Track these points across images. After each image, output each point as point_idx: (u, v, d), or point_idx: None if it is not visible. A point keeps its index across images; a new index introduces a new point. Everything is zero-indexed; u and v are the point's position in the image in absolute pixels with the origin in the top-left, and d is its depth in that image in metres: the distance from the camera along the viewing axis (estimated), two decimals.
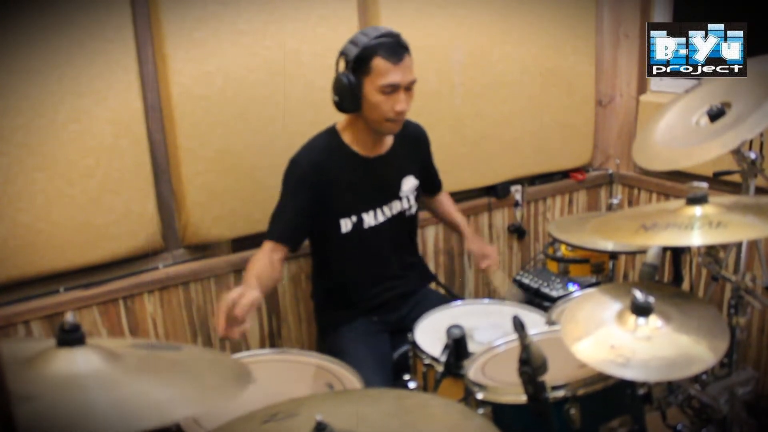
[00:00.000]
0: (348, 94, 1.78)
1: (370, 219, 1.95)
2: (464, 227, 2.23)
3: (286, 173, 1.88)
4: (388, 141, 1.98)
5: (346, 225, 1.92)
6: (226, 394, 1.01)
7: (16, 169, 1.81)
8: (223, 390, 1.02)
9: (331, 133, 1.93)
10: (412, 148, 2.06)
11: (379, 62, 1.75)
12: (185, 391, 0.97)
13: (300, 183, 1.85)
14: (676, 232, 1.29)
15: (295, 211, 1.85)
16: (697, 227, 1.29)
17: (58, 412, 0.85)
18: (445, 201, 2.29)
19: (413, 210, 2.06)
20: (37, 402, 0.86)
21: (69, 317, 0.97)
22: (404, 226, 2.07)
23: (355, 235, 1.93)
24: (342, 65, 1.81)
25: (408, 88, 1.80)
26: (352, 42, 1.78)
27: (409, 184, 2.03)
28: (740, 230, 1.31)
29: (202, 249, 2.19)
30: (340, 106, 1.82)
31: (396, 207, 2.00)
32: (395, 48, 1.76)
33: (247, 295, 1.52)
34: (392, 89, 1.77)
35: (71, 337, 0.96)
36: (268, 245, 1.83)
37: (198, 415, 1.34)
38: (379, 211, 1.96)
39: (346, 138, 1.92)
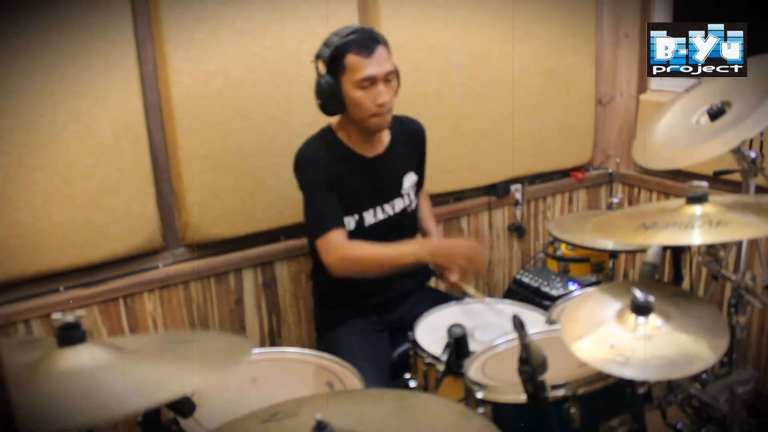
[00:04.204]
0: (329, 96, 1.79)
1: (370, 217, 1.95)
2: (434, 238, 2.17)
3: (301, 171, 1.86)
4: (385, 138, 1.98)
5: (348, 223, 1.92)
6: (227, 363, 1.02)
7: (16, 169, 1.81)
8: (224, 360, 1.03)
9: (329, 133, 1.93)
10: (412, 144, 2.06)
11: (351, 58, 1.75)
12: (190, 365, 0.98)
13: (319, 171, 1.84)
14: (676, 231, 1.29)
15: (332, 197, 1.83)
16: (697, 226, 1.29)
17: (69, 403, 0.86)
18: (422, 204, 2.22)
19: (414, 206, 2.06)
20: (46, 397, 0.86)
21: (60, 315, 0.97)
22: (406, 223, 2.06)
23: (357, 233, 1.93)
24: (320, 68, 1.82)
25: (387, 80, 1.80)
26: (325, 44, 1.80)
27: (410, 180, 2.03)
28: (740, 229, 1.31)
29: (202, 248, 2.19)
30: (325, 108, 1.83)
31: (398, 205, 2.00)
32: (366, 42, 1.76)
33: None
34: (370, 83, 1.77)
35: (73, 335, 0.96)
36: (339, 234, 1.79)
37: (201, 413, 1.34)
38: (379, 209, 1.96)
39: (343, 137, 1.92)
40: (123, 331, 2.07)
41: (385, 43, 1.80)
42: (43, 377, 0.92)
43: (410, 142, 2.05)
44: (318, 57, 1.81)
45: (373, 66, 1.76)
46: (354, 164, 1.92)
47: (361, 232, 1.93)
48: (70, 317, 0.96)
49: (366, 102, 1.79)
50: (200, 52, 1.99)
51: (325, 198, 1.84)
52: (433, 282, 2.25)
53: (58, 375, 0.92)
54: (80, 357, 0.95)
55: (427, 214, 2.23)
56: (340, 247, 1.79)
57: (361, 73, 1.75)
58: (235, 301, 2.26)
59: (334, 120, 1.93)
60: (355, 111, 1.82)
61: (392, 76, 1.81)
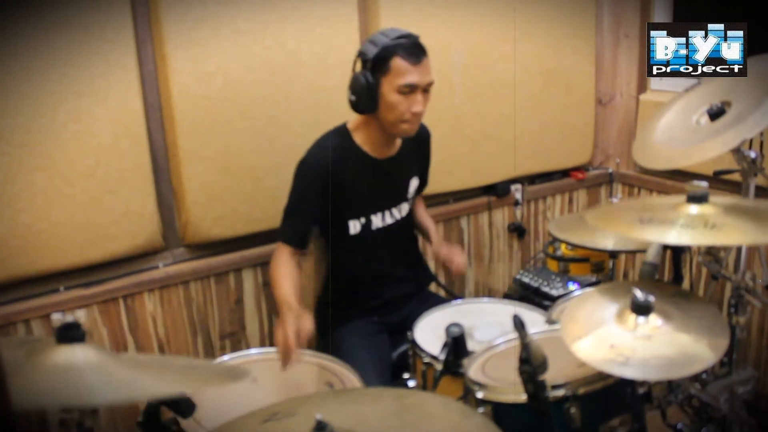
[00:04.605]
0: (365, 94, 1.77)
1: (378, 221, 1.95)
2: (434, 233, 2.17)
3: (297, 173, 1.87)
4: (398, 142, 1.98)
5: (354, 226, 1.92)
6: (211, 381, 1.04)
7: (16, 169, 1.80)
8: (208, 378, 1.06)
9: (343, 132, 1.91)
10: (418, 149, 2.07)
11: (398, 62, 1.74)
12: (173, 376, 1.00)
13: (312, 184, 1.84)
14: (670, 230, 1.29)
15: (308, 212, 1.85)
16: (691, 226, 1.29)
17: (54, 391, 0.88)
18: (419, 204, 2.24)
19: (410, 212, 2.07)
20: (35, 384, 0.87)
21: (60, 316, 0.97)
22: (409, 227, 2.07)
23: (363, 237, 1.93)
24: (359, 65, 1.81)
25: (425, 89, 1.80)
26: (371, 42, 1.78)
27: (414, 185, 2.03)
28: (734, 235, 1.30)
29: (202, 248, 2.19)
30: (357, 106, 1.81)
31: (404, 209, 2.00)
32: (414, 49, 1.76)
33: (303, 327, 1.55)
34: (410, 90, 1.76)
35: (72, 334, 0.96)
36: (286, 249, 1.83)
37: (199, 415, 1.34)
38: (387, 213, 1.96)
39: (358, 138, 1.91)
40: (123, 331, 2.07)
41: (427, 55, 1.80)
42: (36, 366, 0.93)
43: (418, 146, 2.06)
44: (361, 53, 1.79)
45: (417, 74, 1.75)
46: (366, 165, 1.91)
47: (368, 236, 1.92)
48: (70, 317, 0.96)
49: (401, 107, 1.77)
50: (200, 52, 1.99)
51: (298, 209, 1.86)
52: (433, 286, 2.25)
53: (49, 366, 0.94)
54: (74, 354, 0.95)
55: (425, 213, 2.24)
56: (274, 260, 1.84)
57: (404, 79, 1.74)
58: (235, 301, 2.26)
59: (340, 119, 1.93)
60: (388, 114, 1.80)
61: (430, 87, 1.81)
